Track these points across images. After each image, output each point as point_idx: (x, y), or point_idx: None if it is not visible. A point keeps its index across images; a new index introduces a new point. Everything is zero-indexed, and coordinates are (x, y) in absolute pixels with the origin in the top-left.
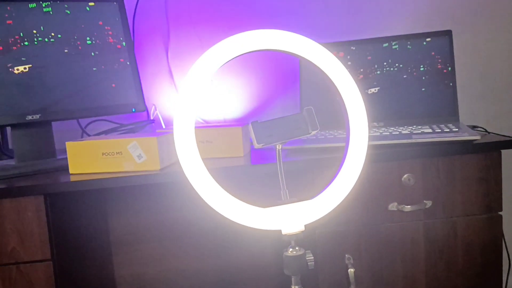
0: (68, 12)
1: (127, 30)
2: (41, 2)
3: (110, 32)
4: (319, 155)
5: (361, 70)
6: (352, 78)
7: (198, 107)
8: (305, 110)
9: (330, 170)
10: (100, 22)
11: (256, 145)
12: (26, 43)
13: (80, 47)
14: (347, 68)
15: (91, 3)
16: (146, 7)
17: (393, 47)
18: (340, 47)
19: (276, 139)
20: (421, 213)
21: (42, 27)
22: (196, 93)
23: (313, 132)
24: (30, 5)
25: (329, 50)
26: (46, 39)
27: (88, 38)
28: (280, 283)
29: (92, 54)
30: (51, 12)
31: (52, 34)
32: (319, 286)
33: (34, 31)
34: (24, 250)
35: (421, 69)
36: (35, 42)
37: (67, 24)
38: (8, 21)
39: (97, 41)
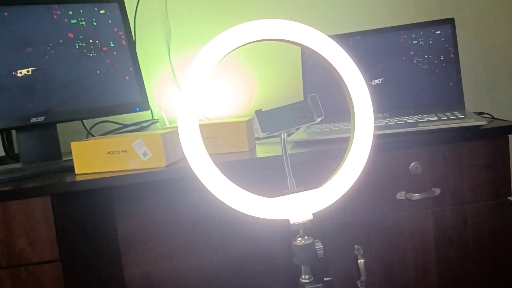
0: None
1: (129, 29)
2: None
3: (118, 33)
4: (324, 147)
5: (364, 61)
6: (356, 67)
7: (201, 101)
8: (309, 98)
9: (335, 161)
10: (115, 29)
11: (261, 134)
12: (30, 47)
13: (84, 49)
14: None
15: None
16: (147, 6)
17: (396, 37)
18: (342, 39)
19: (280, 128)
20: (430, 201)
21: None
22: (199, 86)
23: (318, 119)
24: (72, 21)
25: None
26: (51, 43)
27: (93, 41)
28: (289, 276)
29: (95, 54)
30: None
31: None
32: (328, 277)
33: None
34: (32, 251)
35: (425, 58)
36: (40, 46)
37: (80, 29)
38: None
39: (100, 41)
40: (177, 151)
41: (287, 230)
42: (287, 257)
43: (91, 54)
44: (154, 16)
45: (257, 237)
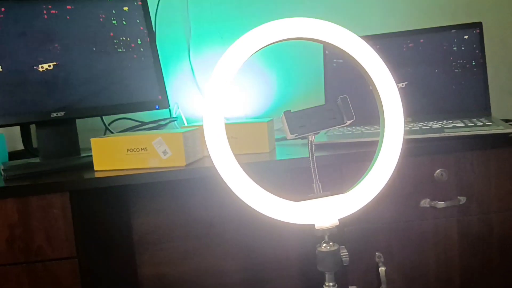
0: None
1: (151, 28)
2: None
3: (144, 31)
4: (346, 150)
5: (388, 64)
6: (388, 70)
7: (226, 102)
8: (339, 99)
9: (358, 165)
10: (141, 27)
11: (289, 136)
12: (53, 42)
13: (107, 46)
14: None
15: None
16: (168, 4)
17: (421, 40)
18: (367, 41)
19: (309, 130)
20: (455, 209)
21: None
22: (225, 87)
23: (348, 122)
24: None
25: None
26: (74, 40)
27: (124, 38)
28: (304, 281)
29: (124, 50)
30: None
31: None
32: (348, 285)
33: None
34: (50, 248)
35: (451, 62)
36: (63, 42)
37: (111, 27)
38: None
39: (123, 39)
40: (197, 150)
41: (303, 234)
42: (303, 261)
43: (120, 50)
44: (175, 14)
45: (272, 240)
